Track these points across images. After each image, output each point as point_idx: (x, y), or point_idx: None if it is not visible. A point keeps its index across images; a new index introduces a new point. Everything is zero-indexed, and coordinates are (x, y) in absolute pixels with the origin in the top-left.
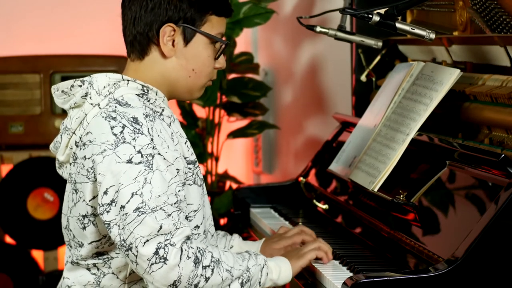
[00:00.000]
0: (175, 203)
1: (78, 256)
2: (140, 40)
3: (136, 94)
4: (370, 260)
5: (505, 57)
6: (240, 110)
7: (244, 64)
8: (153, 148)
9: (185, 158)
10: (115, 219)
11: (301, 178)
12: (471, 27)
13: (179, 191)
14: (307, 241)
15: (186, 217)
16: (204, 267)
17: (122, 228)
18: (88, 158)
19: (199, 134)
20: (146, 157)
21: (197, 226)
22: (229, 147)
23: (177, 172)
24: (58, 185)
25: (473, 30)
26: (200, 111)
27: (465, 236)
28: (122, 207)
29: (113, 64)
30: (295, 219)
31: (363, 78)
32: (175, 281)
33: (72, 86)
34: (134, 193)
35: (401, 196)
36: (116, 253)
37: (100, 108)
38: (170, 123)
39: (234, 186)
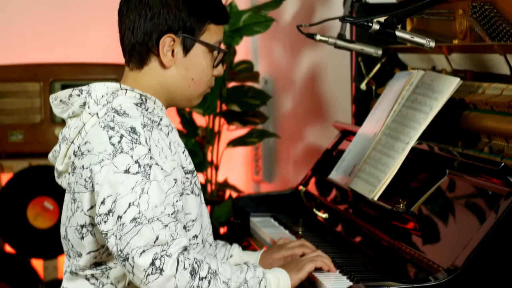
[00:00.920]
0: (172, 214)
1: (77, 266)
2: (139, 50)
3: (134, 103)
4: (370, 269)
5: (505, 65)
6: (240, 118)
7: (244, 72)
8: (151, 158)
9: (182, 168)
10: (112, 229)
11: (301, 187)
12: (471, 36)
13: (176, 201)
14: (307, 254)
15: (184, 227)
16: (201, 279)
17: (119, 238)
18: (86, 168)
19: (199, 143)
20: (144, 167)
21: (195, 236)
22: (229, 156)
23: (175, 182)
24: (58, 193)
25: (473, 38)
26: (200, 120)
27: (465, 245)
28: (119, 217)
29: (113, 72)
30: (295, 228)
31: (363, 86)
32: None
33: (70, 95)
34: (131, 203)
35: (401, 205)
36: (114, 264)
37: (98, 117)
38: (168, 132)
39: (234, 194)
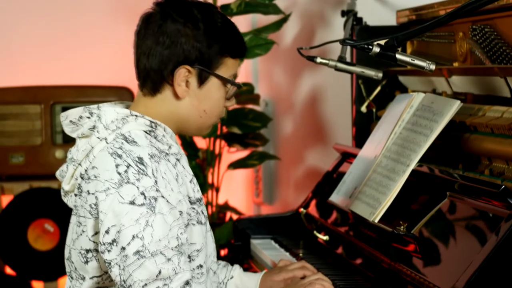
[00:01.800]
0: (176, 247)
1: None
2: (153, 77)
3: (144, 131)
4: None
5: (505, 88)
6: (241, 141)
7: (245, 94)
8: (157, 190)
9: (189, 198)
10: (115, 259)
11: (301, 209)
12: (471, 58)
13: (181, 233)
14: (308, 276)
15: (189, 256)
16: None
17: (123, 269)
18: (92, 194)
19: (199, 165)
20: (149, 199)
21: (200, 266)
22: (229, 178)
23: (180, 215)
24: (59, 216)
25: (473, 61)
26: (201, 142)
27: (466, 267)
28: (123, 248)
29: (113, 94)
30: (295, 250)
31: (363, 109)
32: None
33: (81, 117)
34: (135, 236)
35: (402, 227)
36: None
37: (107, 142)
38: (175, 162)
39: (235, 217)
